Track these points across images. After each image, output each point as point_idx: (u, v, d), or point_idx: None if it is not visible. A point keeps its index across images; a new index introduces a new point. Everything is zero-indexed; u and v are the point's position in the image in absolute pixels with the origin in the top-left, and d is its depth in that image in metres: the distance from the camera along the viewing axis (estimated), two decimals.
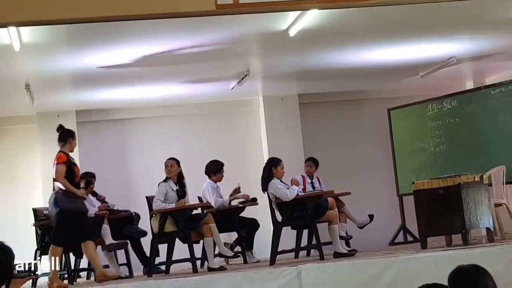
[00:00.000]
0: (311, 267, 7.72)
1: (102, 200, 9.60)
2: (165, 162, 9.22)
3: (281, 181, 9.15)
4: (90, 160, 11.49)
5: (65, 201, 8.13)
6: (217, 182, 9.85)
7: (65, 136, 8.35)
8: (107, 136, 12.24)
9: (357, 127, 12.92)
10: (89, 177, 9.58)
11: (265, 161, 9.80)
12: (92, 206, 9.39)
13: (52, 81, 9.92)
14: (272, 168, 9.16)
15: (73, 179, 8.19)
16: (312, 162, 10.79)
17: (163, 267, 9.25)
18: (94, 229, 8.94)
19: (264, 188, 9.11)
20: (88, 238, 8.27)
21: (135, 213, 9.73)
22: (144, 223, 9.57)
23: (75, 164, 8.30)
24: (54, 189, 8.32)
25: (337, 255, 8.88)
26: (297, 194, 8.99)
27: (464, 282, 3.54)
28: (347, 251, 9.04)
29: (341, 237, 9.29)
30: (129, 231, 9.48)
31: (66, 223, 8.17)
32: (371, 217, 10.09)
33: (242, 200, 9.87)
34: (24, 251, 6.56)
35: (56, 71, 9.42)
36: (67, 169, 8.14)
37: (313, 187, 10.54)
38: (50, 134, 11.71)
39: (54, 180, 8.27)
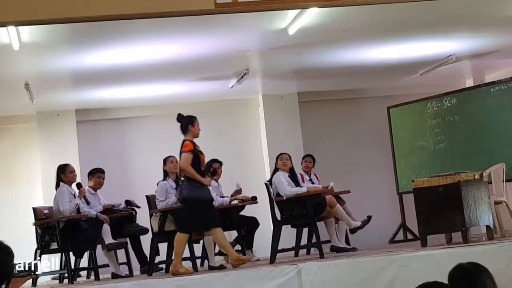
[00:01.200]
0: (311, 266, 7.71)
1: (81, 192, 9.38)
2: (169, 158, 9.21)
3: (289, 176, 9.18)
4: (90, 159, 11.48)
5: (189, 189, 8.07)
6: (218, 180, 9.87)
7: (185, 125, 8.19)
8: (106, 135, 12.24)
9: (356, 126, 12.92)
10: (101, 172, 9.60)
11: (265, 159, 9.87)
12: (98, 204, 9.39)
13: (51, 80, 9.92)
14: (276, 163, 9.43)
15: (199, 167, 8.08)
16: (311, 159, 10.79)
17: (163, 266, 9.25)
18: (95, 230, 8.94)
19: (270, 180, 9.27)
20: (215, 226, 8.16)
21: (133, 210, 9.71)
22: (144, 222, 9.56)
23: (201, 152, 8.15)
24: (180, 177, 8.25)
25: (334, 249, 8.90)
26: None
27: (464, 280, 3.54)
28: (344, 246, 9.07)
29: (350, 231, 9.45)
30: (131, 229, 9.46)
31: (192, 211, 8.12)
32: (368, 218, 10.06)
33: (242, 199, 9.91)
34: (24, 250, 6.55)
35: (55, 70, 9.42)
36: (194, 158, 8.03)
37: (313, 183, 10.53)
38: (49, 133, 11.82)
39: (180, 168, 8.19)
